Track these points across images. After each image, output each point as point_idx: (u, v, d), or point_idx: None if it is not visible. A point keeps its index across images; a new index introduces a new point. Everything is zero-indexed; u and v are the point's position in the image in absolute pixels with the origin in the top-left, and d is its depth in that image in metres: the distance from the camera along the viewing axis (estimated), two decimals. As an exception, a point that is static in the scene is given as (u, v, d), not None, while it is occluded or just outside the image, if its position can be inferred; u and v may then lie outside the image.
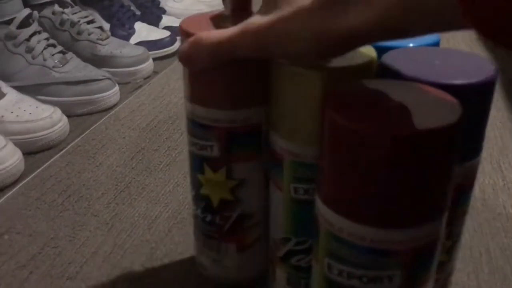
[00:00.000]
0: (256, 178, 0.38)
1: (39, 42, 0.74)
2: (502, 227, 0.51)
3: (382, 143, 0.24)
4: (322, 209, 0.28)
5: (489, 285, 0.43)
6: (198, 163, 0.39)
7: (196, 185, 0.40)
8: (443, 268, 0.34)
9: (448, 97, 0.26)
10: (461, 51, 0.33)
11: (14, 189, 0.59)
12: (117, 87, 0.78)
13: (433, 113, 0.25)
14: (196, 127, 0.37)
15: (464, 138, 0.30)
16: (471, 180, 0.32)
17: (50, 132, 0.65)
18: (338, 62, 0.32)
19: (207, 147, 0.37)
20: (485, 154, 0.64)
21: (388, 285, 0.27)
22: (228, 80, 0.35)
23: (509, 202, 0.54)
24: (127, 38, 0.93)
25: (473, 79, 0.29)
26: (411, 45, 0.35)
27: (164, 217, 0.54)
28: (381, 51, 0.33)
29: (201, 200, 0.40)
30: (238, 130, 0.36)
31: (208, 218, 0.40)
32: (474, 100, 0.29)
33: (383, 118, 0.25)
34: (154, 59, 0.93)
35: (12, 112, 0.64)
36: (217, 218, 0.40)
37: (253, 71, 0.35)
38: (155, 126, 0.73)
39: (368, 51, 0.33)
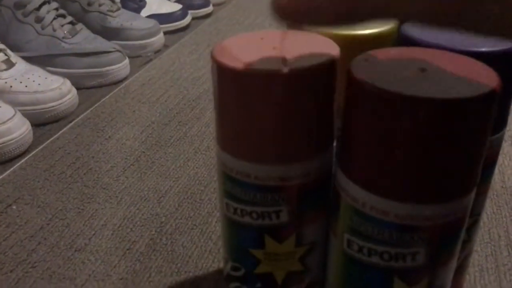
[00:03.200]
0: (324, 237, 0.31)
1: (49, 12, 0.72)
2: (522, 210, 0.49)
3: (413, 109, 0.22)
4: (344, 182, 0.26)
5: (508, 267, 0.42)
6: (253, 236, 0.30)
7: (249, 263, 0.31)
8: (462, 248, 0.32)
9: (480, 64, 0.25)
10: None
11: (23, 160, 0.58)
12: (127, 60, 0.76)
13: (468, 80, 0.23)
14: (253, 191, 0.29)
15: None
16: (494, 155, 0.30)
17: (59, 104, 0.64)
18: (356, 28, 0.30)
19: (271, 214, 0.29)
20: (506, 136, 0.62)
21: (410, 263, 0.25)
22: (303, 122, 0.27)
23: (529, 185, 0.53)
24: (137, 10, 0.91)
25: (501, 47, 0.27)
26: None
27: (174, 192, 0.53)
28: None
29: (256, 280, 0.32)
30: (311, 184, 0.29)
31: None
32: (502, 68, 0.27)
33: (412, 85, 0.23)
34: (165, 33, 0.91)
35: (21, 82, 0.63)
36: None
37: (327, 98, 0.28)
38: (165, 101, 0.71)
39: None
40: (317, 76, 0.26)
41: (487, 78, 0.23)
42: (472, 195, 0.25)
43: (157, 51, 0.88)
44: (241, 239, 0.31)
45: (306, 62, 0.26)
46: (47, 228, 0.48)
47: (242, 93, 0.26)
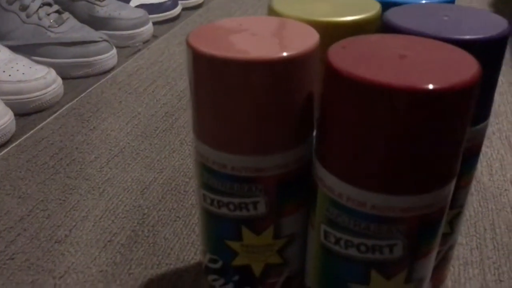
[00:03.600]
0: (304, 229, 0.30)
1: (34, 0, 0.71)
2: (509, 203, 0.49)
3: (389, 97, 0.21)
4: (321, 172, 0.25)
5: (492, 261, 0.42)
6: (230, 227, 0.29)
7: (226, 255, 0.31)
8: (445, 240, 0.32)
9: (461, 52, 0.24)
10: (472, 8, 0.31)
11: (5, 150, 0.57)
12: (114, 50, 0.75)
13: (448, 68, 0.22)
14: (230, 182, 0.28)
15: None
16: (477, 146, 0.29)
17: (44, 94, 0.63)
18: (338, 15, 0.29)
19: (249, 205, 0.28)
20: (494, 128, 0.62)
21: (388, 256, 0.25)
22: (281, 111, 0.26)
23: (516, 178, 0.52)
24: (127, 0, 0.90)
25: (484, 34, 0.26)
26: (423, 1, 0.32)
27: (158, 183, 0.52)
28: (384, 7, 0.31)
29: (234, 273, 0.31)
30: (289, 175, 0.28)
31: None
32: (485, 57, 0.27)
33: (390, 72, 0.22)
34: (154, 23, 0.90)
35: (4, 71, 0.62)
36: None
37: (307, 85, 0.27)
38: (152, 91, 0.70)
39: (372, 4, 0.31)
40: (296, 64, 0.25)
41: (468, 65, 0.23)
42: (451, 185, 0.24)
43: (146, 42, 0.86)
44: (218, 230, 0.30)
45: (285, 50, 0.25)
46: (27, 219, 0.47)
47: (218, 81, 0.25)
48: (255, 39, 0.26)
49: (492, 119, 0.64)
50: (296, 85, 0.26)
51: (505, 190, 0.51)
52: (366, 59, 0.23)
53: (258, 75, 0.25)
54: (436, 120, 0.22)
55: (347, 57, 0.24)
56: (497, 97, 0.69)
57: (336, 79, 0.23)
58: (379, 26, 0.30)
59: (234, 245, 0.30)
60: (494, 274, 0.40)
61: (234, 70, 0.25)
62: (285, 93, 0.26)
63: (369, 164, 0.23)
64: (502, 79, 0.74)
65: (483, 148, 0.58)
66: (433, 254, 0.26)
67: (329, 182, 0.25)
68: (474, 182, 0.52)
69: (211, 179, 0.28)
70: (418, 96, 0.21)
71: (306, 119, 0.27)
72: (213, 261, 0.31)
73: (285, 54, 0.25)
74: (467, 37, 0.26)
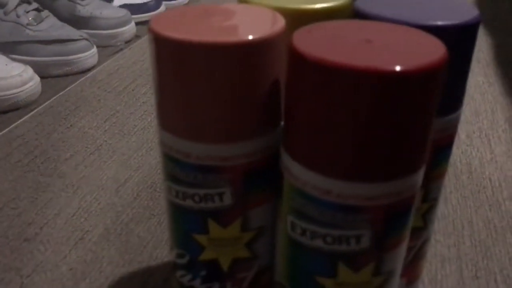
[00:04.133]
0: (273, 222, 0.29)
1: (13, -3, 0.70)
2: (487, 200, 0.48)
3: (353, 80, 0.21)
4: (286, 160, 0.25)
5: (469, 257, 0.41)
6: (196, 220, 0.28)
7: (193, 249, 0.29)
8: (418, 235, 0.31)
9: (430, 37, 0.23)
10: None
11: (-22, 148, 0.56)
12: (95, 49, 0.74)
13: (415, 51, 0.22)
14: (193, 172, 0.27)
15: (443, 88, 0.27)
16: (449, 137, 0.29)
17: (20, 91, 0.62)
18: (309, 3, 0.29)
19: (214, 197, 0.27)
20: (474, 127, 0.61)
21: (355, 247, 0.24)
22: (247, 98, 0.25)
23: (495, 175, 0.52)
24: (109, 0, 0.89)
25: (454, 21, 0.26)
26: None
27: (134, 181, 0.51)
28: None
29: (201, 268, 0.30)
30: (256, 165, 0.27)
31: (216, 286, 0.31)
32: (455, 44, 0.26)
33: (356, 55, 0.22)
34: (138, 23, 0.89)
35: (-21, 69, 0.61)
36: (228, 285, 0.30)
37: (274, 73, 0.26)
38: (132, 90, 0.70)
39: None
40: (259, 49, 0.25)
41: (434, 49, 0.22)
42: (420, 174, 0.24)
43: (128, 41, 0.86)
44: (184, 224, 0.29)
45: (248, 34, 0.24)
46: (-3, 217, 0.46)
47: (179, 65, 0.25)
48: (219, 24, 0.26)
49: (472, 118, 0.64)
50: (260, 71, 0.25)
51: (484, 187, 0.50)
52: (331, 43, 0.23)
53: (219, 59, 0.24)
54: (402, 103, 0.21)
55: (312, 41, 0.23)
56: (477, 97, 0.69)
57: (299, 63, 0.22)
58: (351, 14, 0.29)
59: (201, 238, 0.29)
60: (471, 271, 0.40)
61: (195, 53, 0.24)
62: (249, 79, 0.25)
63: (332, 150, 0.22)
64: (482, 79, 0.74)
65: (463, 147, 0.57)
66: (403, 246, 0.26)
67: (294, 171, 0.24)
68: (453, 180, 0.51)
69: (175, 169, 0.27)
70: (384, 78, 0.20)
71: (273, 107, 0.27)
72: (180, 256, 0.31)
73: (247, 37, 0.24)
74: (437, 23, 0.26)
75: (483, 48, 0.86)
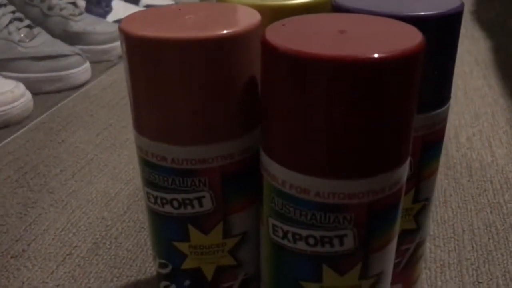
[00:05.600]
0: (256, 227, 0.28)
1: (4, 15, 0.70)
2: (488, 203, 0.47)
3: (327, 70, 0.20)
4: (264, 160, 0.24)
5: (470, 262, 0.39)
6: (176, 227, 0.27)
7: (174, 258, 0.28)
8: (411, 237, 0.30)
9: (405, 25, 0.22)
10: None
11: (-33, 166, 0.55)
12: (87, 64, 0.74)
13: (390, 40, 0.21)
14: (171, 176, 0.26)
15: (427, 81, 0.26)
16: (437, 134, 0.28)
17: (11, 108, 0.61)
18: (287, 0, 0.28)
19: (193, 201, 0.26)
20: (475, 130, 0.60)
21: (338, 248, 0.23)
22: (222, 97, 0.25)
23: (497, 178, 0.50)
24: (103, 16, 0.89)
25: (435, 11, 0.25)
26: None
27: (124, 195, 0.50)
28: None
29: (184, 277, 0.29)
30: (235, 167, 0.26)
31: None
32: (437, 34, 0.25)
33: (329, 45, 0.20)
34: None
35: (-30, 86, 0.60)
36: None
37: (249, 72, 0.25)
38: (125, 104, 0.69)
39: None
40: (232, 44, 0.24)
41: (411, 37, 0.21)
42: (402, 170, 0.22)
43: (121, 56, 0.85)
44: (164, 231, 0.28)
45: (220, 29, 0.23)
46: (-16, 235, 0.45)
47: (150, 64, 0.24)
48: (192, 22, 0.25)
49: (472, 120, 0.62)
50: (234, 68, 0.24)
51: (485, 190, 0.49)
52: (304, 35, 0.22)
53: (191, 55, 0.23)
54: (378, 92, 0.20)
55: (285, 34, 0.22)
56: (477, 99, 0.68)
57: (271, 55, 0.21)
58: (329, 9, 0.28)
59: (182, 246, 0.28)
60: (472, 276, 0.38)
61: (166, 50, 0.23)
62: (222, 76, 0.24)
63: (307, 146, 0.21)
64: (482, 82, 0.73)
65: (463, 150, 0.56)
66: (391, 247, 0.24)
67: (272, 170, 0.23)
68: (453, 184, 0.50)
69: (152, 174, 0.26)
70: (358, 65, 0.19)
71: (250, 106, 0.26)
72: (163, 265, 0.29)
73: (220, 32, 0.23)
74: (417, 13, 0.25)
75: (482, 51, 0.85)
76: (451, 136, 0.59)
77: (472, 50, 0.86)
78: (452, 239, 0.42)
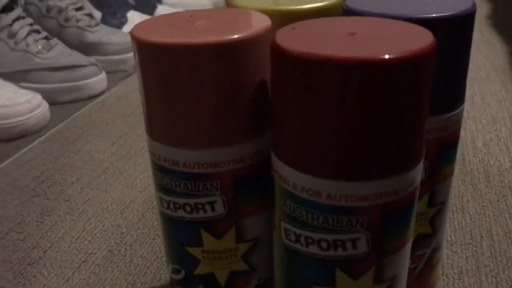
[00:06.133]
0: (269, 232, 0.28)
1: (22, 27, 0.71)
2: (507, 209, 0.46)
3: (339, 71, 0.19)
4: (275, 163, 0.23)
5: (489, 269, 0.39)
6: (188, 232, 0.27)
7: (187, 263, 0.28)
8: (427, 242, 0.29)
9: (415, 26, 0.22)
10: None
11: (-14, 175, 0.56)
12: (103, 74, 0.75)
13: (401, 41, 0.21)
14: (183, 180, 0.26)
15: (440, 83, 0.25)
16: (452, 136, 0.27)
17: (28, 118, 0.62)
18: (300, 3, 0.28)
19: (205, 206, 0.26)
20: (492, 135, 0.59)
21: (352, 252, 0.22)
22: (233, 101, 0.25)
23: (515, 183, 0.50)
24: (119, 26, 0.90)
25: (447, 13, 0.24)
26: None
27: (139, 202, 0.50)
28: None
29: (198, 283, 0.29)
30: (247, 171, 0.26)
31: None
32: (449, 36, 0.25)
33: (339, 47, 0.20)
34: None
35: (-12, 97, 0.61)
36: None
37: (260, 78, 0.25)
38: (140, 113, 0.69)
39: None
40: (243, 48, 0.24)
41: (422, 38, 0.21)
42: (416, 171, 0.22)
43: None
44: (178, 236, 0.28)
45: (231, 34, 0.23)
46: (1, 242, 0.45)
47: (162, 69, 0.24)
48: (203, 28, 0.25)
49: (489, 126, 0.61)
50: (245, 72, 0.24)
51: (504, 196, 0.48)
52: (314, 38, 0.22)
53: (202, 59, 0.23)
54: (390, 95, 0.20)
55: (294, 37, 0.22)
56: (494, 104, 0.67)
57: (281, 59, 0.21)
58: (340, 14, 0.28)
59: (195, 251, 0.28)
60: (492, 283, 0.37)
61: (177, 56, 0.23)
62: (233, 81, 0.24)
63: (319, 149, 0.21)
64: (499, 87, 0.72)
65: (480, 155, 0.55)
66: (405, 250, 0.24)
67: (283, 173, 0.23)
68: (470, 190, 0.49)
69: (165, 179, 0.26)
70: (369, 67, 0.19)
71: (260, 110, 0.26)
72: (176, 271, 0.29)
73: (230, 37, 0.23)
74: (428, 15, 0.24)
75: (499, 56, 0.84)
76: (468, 141, 0.58)
77: (489, 55, 0.85)
78: (470, 245, 0.42)
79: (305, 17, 0.27)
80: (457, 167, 0.53)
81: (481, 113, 0.65)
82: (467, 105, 0.67)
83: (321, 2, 0.28)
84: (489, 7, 1.14)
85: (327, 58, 0.20)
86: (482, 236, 0.42)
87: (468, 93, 0.71)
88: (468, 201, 0.47)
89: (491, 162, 0.54)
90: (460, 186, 0.50)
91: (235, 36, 0.23)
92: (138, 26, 0.25)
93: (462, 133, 0.59)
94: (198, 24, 0.25)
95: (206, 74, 0.24)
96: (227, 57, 0.24)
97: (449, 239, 0.42)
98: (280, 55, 0.21)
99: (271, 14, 0.27)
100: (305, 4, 0.28)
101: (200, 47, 0.23)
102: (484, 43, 0.91)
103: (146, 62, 0.25)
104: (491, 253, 0.41)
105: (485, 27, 1.00)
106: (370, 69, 0.19)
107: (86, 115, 0.69)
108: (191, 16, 0.27)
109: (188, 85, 0.24)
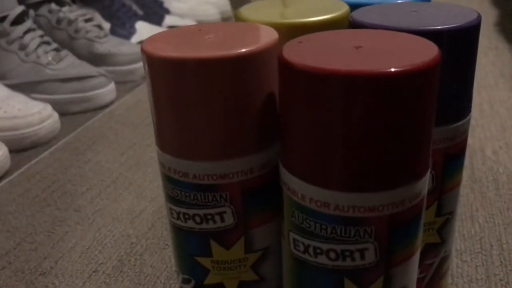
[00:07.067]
0: (278, 242, 0.28)
1: (33, 39, 0.72)
2: (517, 217, 0.46)
3: (345, 84, 0.20)
4: (283, 174, 0.24)
5: (499, 278, 0.39)
6: (198, 242, 0.27)
7: (198, 273, 0.28)
8: (435, 251, 0.29)
9: (420, 39, 0.22)
10: (445, 3, 0.29)
11: (-2, 186, 0.56)
12: (112, 84, 0.76)
13: (406, 54, 0.21)
14: (192, 191, 0.26)
15: (446, 94, 0.26)
16: (459, 146, 0.27)
17: (39, 128, 0.63)
18: (306, 16, 0.28)
19: (215, 217, 0.26)
20: (501, 143, 0.59)
21: (360, 262, 0.23)
22: (242, 113, 0.25)
23: (525, 191, 0.49)
24: (128, 37, 0.91)
25: (451, 24, 0.25)
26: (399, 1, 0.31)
27: (149, 212, 0.50)
28: (353, 8, 0.30)
29: None
30: (255, 182, 0.26)
31: None
32: (455, 47, 0.25)
33: (346, 60, 0.21)
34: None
35: (0, 108, 0.62)
36: None
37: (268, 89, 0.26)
38: (149, 123, 0.70)
39: (339, 5, 0.30)
40: (251, 61, 0.24)
41: (427, 50, 0.21)
42: (422, 182, 0.22)
43: (145, 76, 0.87)
44: (187, 246, 0.28)
45: (240, 47, 0.24)
46: (13, 253, 0.46)
47: (171, 82, 0.24)
48: (212, 41, 0.25)
49: (498, 133, 0.61)
50: (254, 85, 0.25)
51: (513, 204, 0.48)
52: (320, 51, 0.22)
53: (211, 73, 0.24)
54: (396, 107, 0.20)
55: (301, 51, 0.22)
56: (503, 112, 0.67)
57: (289, 72, 0.22)
58: (346, 27, 0.29)
59: (205, 261, 0.28)
60: (501, 292, 0.37)
61: (187, 69, 0.24)
62: (241, 93, 0.24)
63: (327, 161, 0.21)
64: (508, 94, 0.72)
65: (489, 163, 0.55)
66: (413, 260, 0.24)
67: (292, 184, 0.23)
68: (479, 198, 0.49)
69: (175, 190, 0.27)
70: (375, 80, 0.20)
71: (269, 122, 0.26)
72: (186, 281, 0.29)
73: (239, 51, 0.24)
74: (433, 27, 0.25)
75: (507, 63, 0.84)
76: (476, 149, 0.58)
77: (497, 62, 0.85)
78: (480, 254, 0.41)
79: (312, 30, 0.28)
80: (466, 175, 0.53)
81: (490, 120, 0.65)
82: (475, 113, 0.67)
83: (327, 14, 0.28)
84: (497, 14, 1.14)
85: (333, 72, 0.20)
86: (491, 245, 0.42)
87: (476, 100, 0.70)
88: (477, 210, 0.47)
89: (500, 170, 0.54)
90: (469, 195, 0.50)
91: (243, 50, 0.24)
92: (148, 40, 0.26)
93: (470, 141, 0.59)
94: (206, 38, 0.26)
95: (215, 87, 0.24)
96: (235, 70, 0.24)
97: (458, 248, 0.42)
98: (287, 69, 0.22)
99: (278, 27, 0.27)
100: (312, 17, 0.28)
101: (209, 61, 0.23)
102: (492, 50, 0.91)
103: (156, 76, 0.25)
104: (501, 262, 0.40)
105: (493, 34, 1.00)
106: (375, 82, 0.20)
107: (96, 125, 0.70)
108: (200, 30, 0.27)
109: (198, 99, 0.24)
